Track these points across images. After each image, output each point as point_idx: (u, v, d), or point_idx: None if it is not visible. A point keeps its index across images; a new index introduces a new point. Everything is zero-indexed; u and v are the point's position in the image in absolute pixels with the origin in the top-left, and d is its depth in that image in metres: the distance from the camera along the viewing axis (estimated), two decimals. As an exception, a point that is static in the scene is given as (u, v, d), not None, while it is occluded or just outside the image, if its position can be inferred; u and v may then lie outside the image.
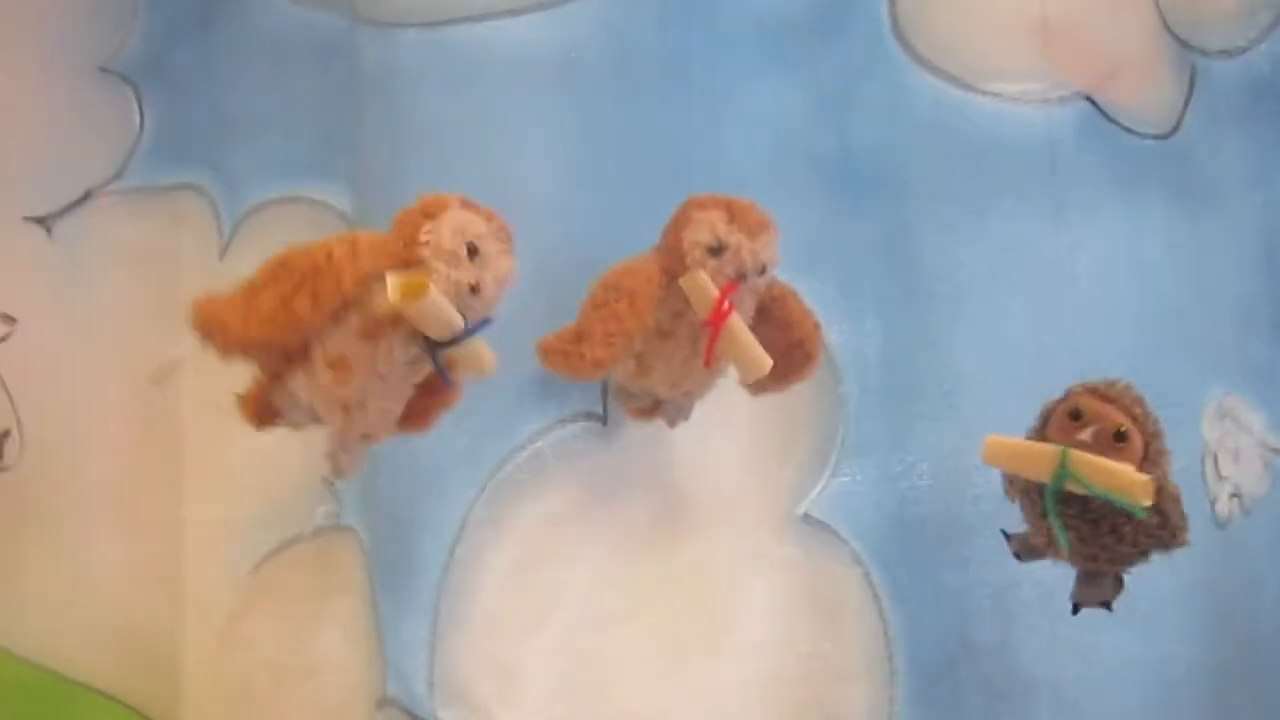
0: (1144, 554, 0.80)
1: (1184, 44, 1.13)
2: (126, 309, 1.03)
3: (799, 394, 1.02)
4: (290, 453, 1.04)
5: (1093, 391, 0.79)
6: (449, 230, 0.74)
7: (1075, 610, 0.85)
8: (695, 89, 1.01)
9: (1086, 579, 0.85)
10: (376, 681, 0.98)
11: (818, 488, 1.03)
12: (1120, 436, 0.77)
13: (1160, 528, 0.78)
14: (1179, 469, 1.03)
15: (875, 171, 1.04)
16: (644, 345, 0.86)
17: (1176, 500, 0.79)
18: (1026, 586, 1.02)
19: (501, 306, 0.96)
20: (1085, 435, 0.77)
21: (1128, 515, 0.76)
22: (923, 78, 1.05)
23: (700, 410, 0.96)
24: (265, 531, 1.04)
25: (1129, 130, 1.09)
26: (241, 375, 0.94)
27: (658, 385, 0.90)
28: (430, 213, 0.75)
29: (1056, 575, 0.89)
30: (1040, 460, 0.78)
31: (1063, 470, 0.75)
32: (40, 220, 1.03)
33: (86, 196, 1.04)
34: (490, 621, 0.97)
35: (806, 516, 1.03)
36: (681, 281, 0.84)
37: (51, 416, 1.04)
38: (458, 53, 0.99)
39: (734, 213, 0.84)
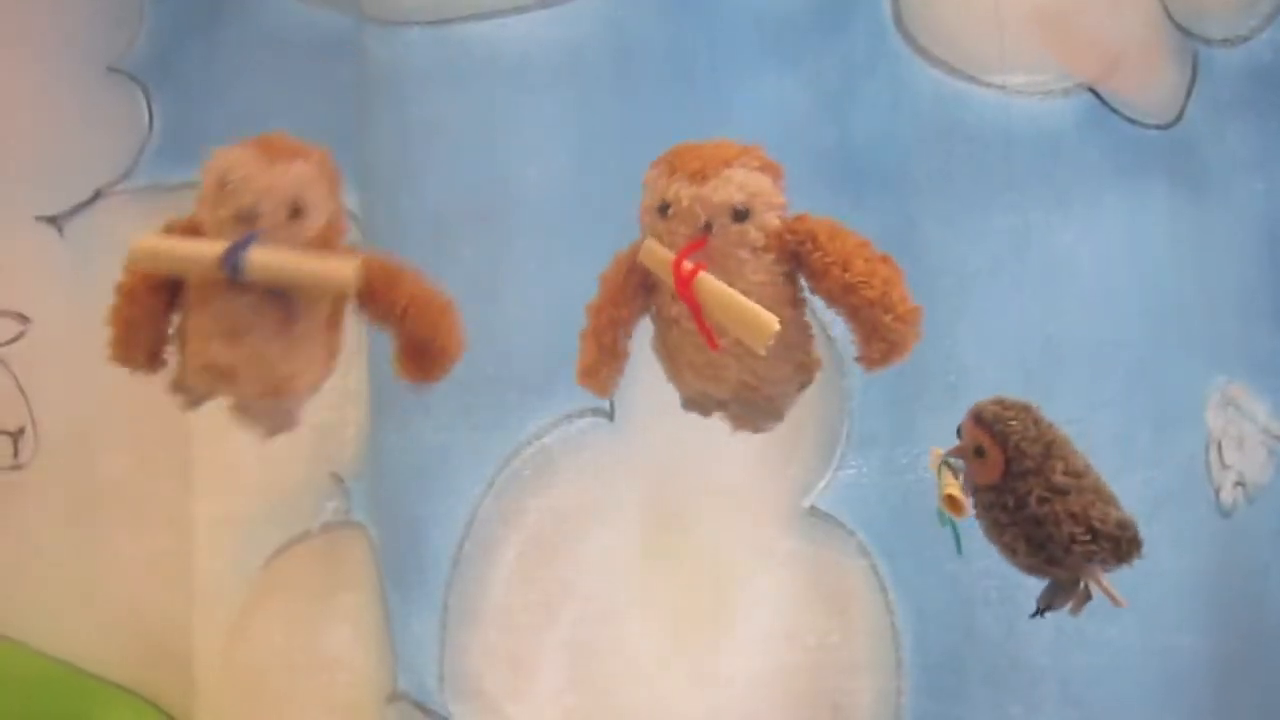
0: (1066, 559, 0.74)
1: (1186, 33, 1.13)
2: (136, 308, 1.04)
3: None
4: (298, 450, 1.05)
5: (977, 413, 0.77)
6: (206, 177, 0.71)
7: (1038, 614, 0.83)
8: (698, 85, 1.02)
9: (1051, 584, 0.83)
10: (387, 676, 0.99)
11: (824, 481, 1.03)
12: (979, 452, 0.78)
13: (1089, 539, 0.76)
14: (1185, 458, 1.04)
15: (877, 165, 1.04)
16: (659, 341, 0.75)
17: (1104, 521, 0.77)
18: (1032, 579, 1.02)
19: (508, 303, 0.97)
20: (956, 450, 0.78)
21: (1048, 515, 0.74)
22: (925, 70, 1.05)
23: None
24: (274, 527, 1.05)
25: (1131, 120, 1.09)
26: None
27: (701, 383, 0.75)
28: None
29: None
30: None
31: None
32: (51, 220, 1.04)
33: (96, 196, 1.05)
34: (499, 616, 0.98)
35: (813, 509, 1.03)
36: (640, 257, 0.71)
37: (64, 414, 1.05)
38: (463, 50, 1.00)
39: (675, 162, 0.69)
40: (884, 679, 1.03)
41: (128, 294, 0.72)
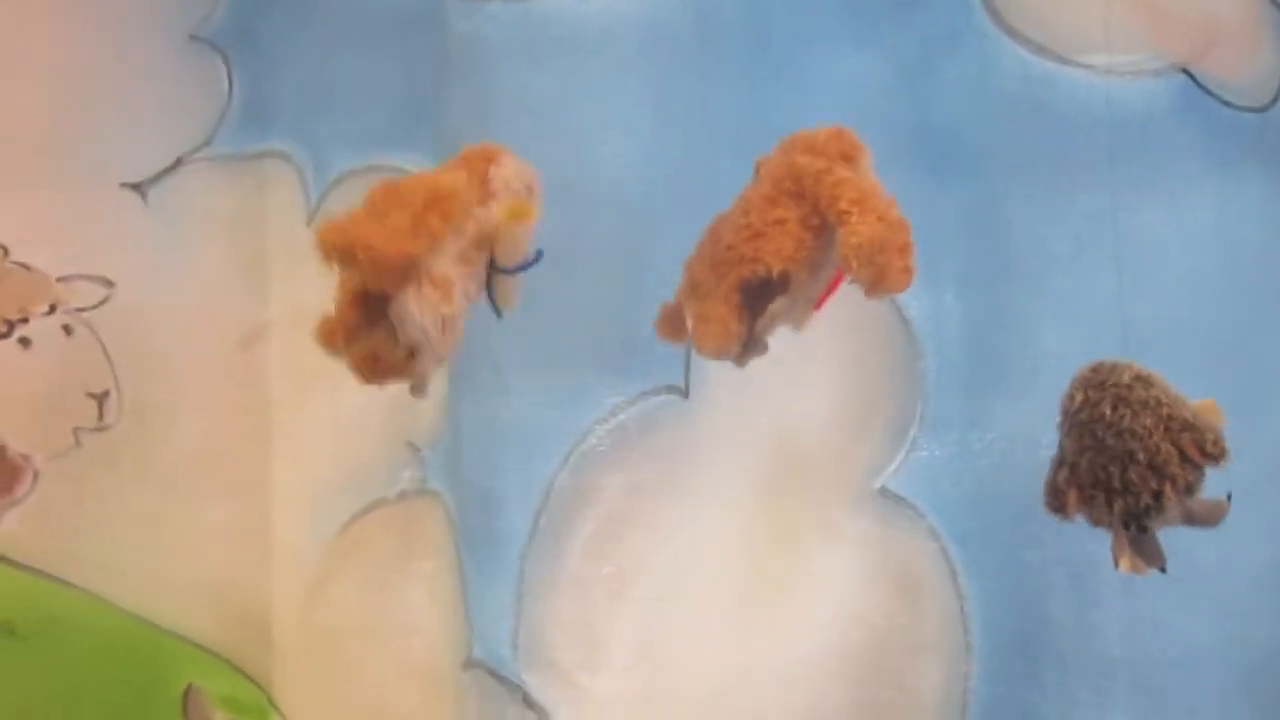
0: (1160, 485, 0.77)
1: (1285, 12, 1.09)
2: (216, 274, 1.06)
3: (878, 369, 1.03)
4: (375, 419, 1.06)
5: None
6: (514, 173, 0.76)
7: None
8: (776, 61, 1.01)
9: (1135, 546, 0.85)
10: (462, 643, 1.00)
11: (895, 462, 1.03)
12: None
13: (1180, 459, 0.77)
14: (1271, 446, 1.02)
15: (958, 144, 1.03)
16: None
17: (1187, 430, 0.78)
18: (1106, 567, 1.01)
19: (587, 279, 0.98)
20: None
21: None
22: (1012, 49, 1.03)
23: (779, 383, 0.96)
24: (351, 495, 1.07)
25: (1226, 103, 1.06)
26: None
27: None
28: (490, 158, 0.78)
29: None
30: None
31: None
32: (135, 187, 1.05)
33: (178, 163, 1.06)
34: (574, 589, 0.99)
35: (883, 490, 1.03)
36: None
37: (148, 378, 1.08)
38: (544, 25, 0.99)
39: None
40: (951, 662, 1.03)
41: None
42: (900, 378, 1.02)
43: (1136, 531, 0.78)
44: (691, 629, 1.00)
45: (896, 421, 1.03)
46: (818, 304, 0.80)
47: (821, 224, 0.76)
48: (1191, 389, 0.77)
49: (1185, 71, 1.05)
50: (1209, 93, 1.05)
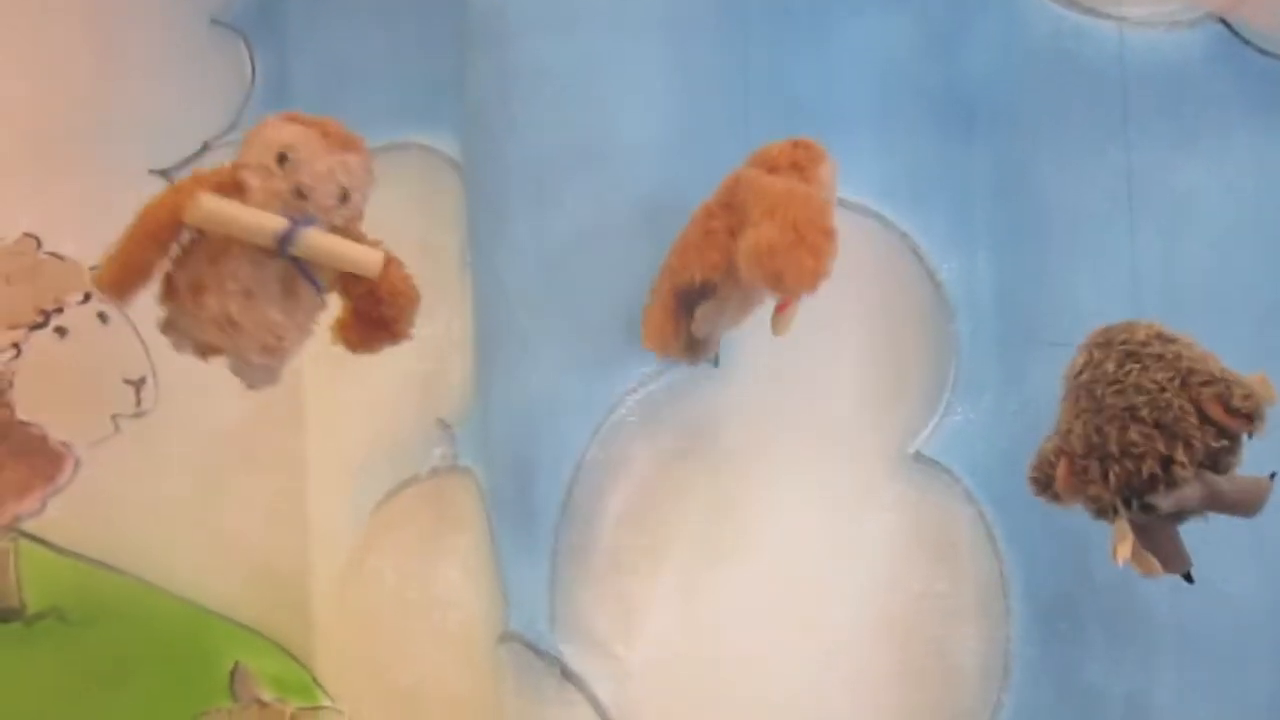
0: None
1: (1326, -44, 1.06)
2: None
3: (909, 332, 1.01)
4: (405, 398, 1.07)
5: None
6: (259, 145, 0.77)
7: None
8: (801, 26, 0.99)
9: (1144, 538, 0.68)
10: (498, 616, 1.01)
11: (929, 427, 1.02)
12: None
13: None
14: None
15: (988, 102, 1.01)
16: None
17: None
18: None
19: (612, 250, 0.97)
20: None
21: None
22: (1041, 3, 1.01)
23: (810, 350, 0.96)
24: (384, 472, 1.08)
25: (1264, 52, 1.03)
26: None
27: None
28: (250, 134, 0.80)
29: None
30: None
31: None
32: (163, 173, 1.06)
33: (204, 149, 1.07)
34: (608, 560, 0.99)
35: (918, 455, 1.02)
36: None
37: (182, 364, 1.08)
38: (564, -3, 0.98)
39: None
40: (991, 626, 1.02)
41: (148, 237, 0.77)
42: (932, 341, 1.01)
43: (1139, 511, 0.62)
44: (727, 597, 0.99)
45: (929, 385, 1.02)
46: (782, 306, 0.82)
47: None
48: (1227, 349, 0.72)
49: (1221, 21, 1.02)
50: (1246, 42, 1.02)
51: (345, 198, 0.77)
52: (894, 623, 1.01)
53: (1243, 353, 0.79)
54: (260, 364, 0.81)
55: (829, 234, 0.77)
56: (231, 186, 0.77)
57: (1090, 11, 1.01)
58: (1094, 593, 1.00)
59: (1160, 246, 0.97)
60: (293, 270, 0.78)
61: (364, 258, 0.78)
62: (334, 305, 0.82)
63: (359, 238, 0.79)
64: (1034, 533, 1.01)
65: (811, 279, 0.76)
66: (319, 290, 0.79)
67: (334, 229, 0.77)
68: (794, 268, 0.76)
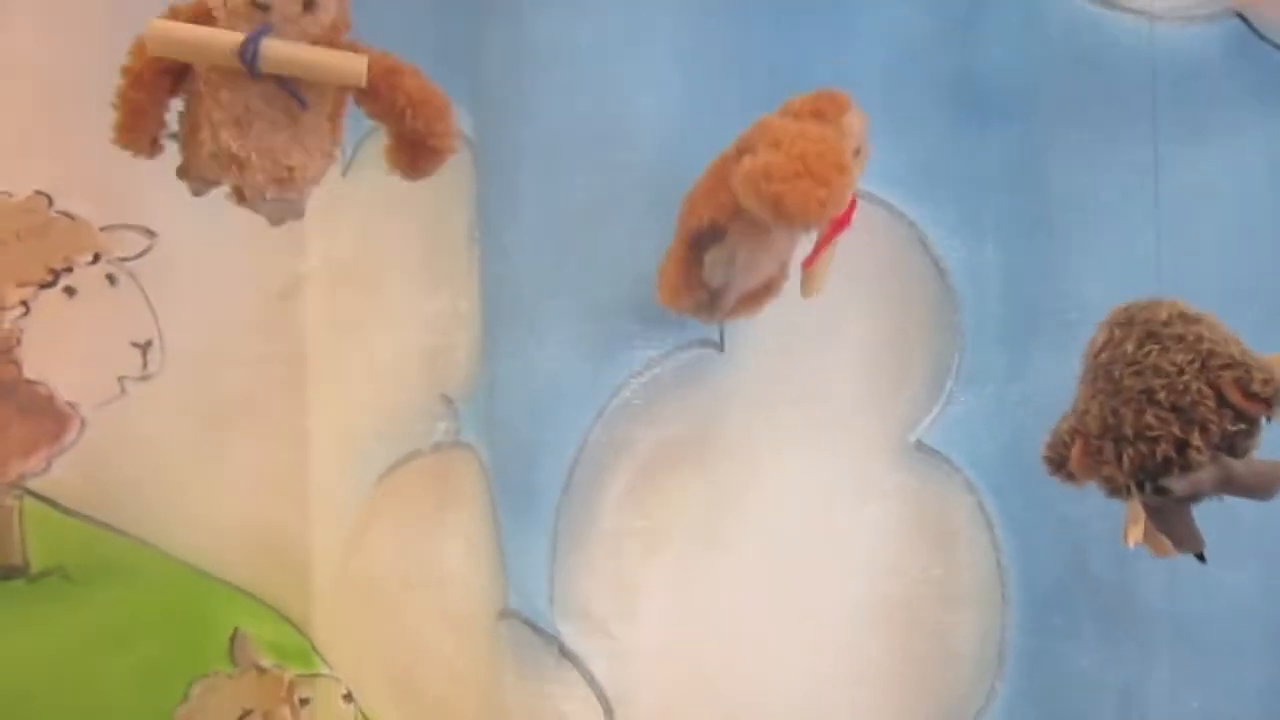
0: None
1: (1348, -48, 1.05)
2: (255, 225, 1.06)
3: (914, 321, 1.01)
4: (409, 371, 1.07)
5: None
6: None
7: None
8: (815, 9, 0.99)
9: (1157, 520, 0.68)
10: (498, 593, 1.01)
11: (931, 415, 1.02)
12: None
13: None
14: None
15: (1002, 93, 1.00)
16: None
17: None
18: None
19: (621, 230, 0.97)
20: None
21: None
22: (1059, -8, 1.00)
23: (814, 336, 0.96)
24: (387, 445, 1.08)
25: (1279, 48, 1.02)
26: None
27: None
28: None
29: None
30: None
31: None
32: (176, 137, 1.06)
33: (221, 109, 1.06)
34: (608, 541, 0.99)
35: (919, 444, 1.02)
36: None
37: (189, 328, 1.09)
38: (577, -28, 0.98)
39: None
40: (987, 614, 1.02)
41: (134, 78, 0.75)
42: (936, 329, 1.01)
43: (1152, 494, 0.62)
44: (725, 580, 1.00)
45: (932, 374, 1.02)
46: (809, 260, 0.79)
47: None
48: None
49: (1239, 16, 1.01)
50: (1263, 38, 1.02)
51: (310, 5, 0.72)
52: (892, 609, 1.01)
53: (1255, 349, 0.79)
54: (275, 199, 0.77)
55: (841, 169, 0.71)
56: (198, 12, 0.74)
57: (1107, 3, 1.00)
58: (1090, 583, 1.00)
59: (1170, 242, 0.97)
60: (282, 93, 0.73)
61: (343, 64, 0.73)
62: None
63: (351, 49, 0.75)
64: (1032, 523, 1.01)
65: (818, 208, 0.70)
66: (304, 107, 0.74)
67: (315, 42, 0.73)
68: (796, 194, 0.70)
